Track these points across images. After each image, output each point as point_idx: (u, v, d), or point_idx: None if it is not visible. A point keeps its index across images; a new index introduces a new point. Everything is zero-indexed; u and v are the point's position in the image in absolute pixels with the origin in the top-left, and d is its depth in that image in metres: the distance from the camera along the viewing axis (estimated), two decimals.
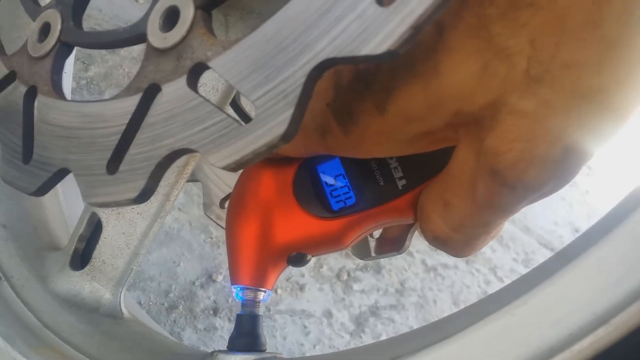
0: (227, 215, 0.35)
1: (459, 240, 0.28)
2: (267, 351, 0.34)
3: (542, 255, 1.02)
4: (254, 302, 0.34)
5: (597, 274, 0.21)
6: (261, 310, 0.34)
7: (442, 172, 0.28)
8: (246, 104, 0.48)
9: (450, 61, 0.24)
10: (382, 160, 0.32)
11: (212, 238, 0.72)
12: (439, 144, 0.27)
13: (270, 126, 0.24)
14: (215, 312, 0.65)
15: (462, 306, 0.86)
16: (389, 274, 0.80)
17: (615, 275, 0.21)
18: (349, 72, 0.28)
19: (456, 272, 0.87)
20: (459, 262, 0.89)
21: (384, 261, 0.81)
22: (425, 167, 0.31)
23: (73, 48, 0.34)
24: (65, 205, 0.52)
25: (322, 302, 0.72)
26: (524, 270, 0.96)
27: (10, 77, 0.35)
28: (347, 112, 0.28)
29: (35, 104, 0.33)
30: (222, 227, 0.55)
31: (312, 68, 0.23)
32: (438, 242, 0.28)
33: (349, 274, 0.77)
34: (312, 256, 0.34)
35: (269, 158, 0.34)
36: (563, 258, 0.23)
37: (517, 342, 0.21)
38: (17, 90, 0.34)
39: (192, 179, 0.54)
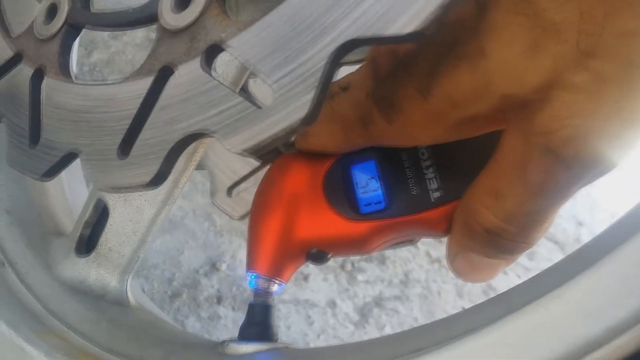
0: (253, 202, 0.34)
1: (512, 232, 0.27)
2: (279, 341, 0.33)
3: (545, 248, 1.01)
4: (267, 292, 0.33)
5: (637, 265, 0.21)
6: (274, 301, 0.34)
7: (488, 164, 0.27)
8: (256, 91, 0.47)
9: (497, 41, 0.23)
10: (419, 168, 0.32)
11: (215, 226, 0.72)
12: (485, 128, 0.26)
13: (290, 110, 0.23)
14: (219, 300, 0.64)
15: (466, 299, 0.86)
16: (393, 265, 0.79)
17: None
18: (387, 61, 0.27)
19: None
20: None
21: (388, 252, 0.81)
22: (463, 182, 0.30)
23: (81, 29, 0.34)
24: (69, 191, 0.51)
25: (326, 292, 0.72)
26: (528, 263, 0.95)
27: (16, 59, 0.35)
28: (389, 100, 0.27)
29: (43, 86, 0.32)
30: (229, 215, 0.54)
31: (335, 49, 0.22)
32: (490, 235, 0.27)
33: (353, 265, 0.77)
34: (333, 256, 0.34)
35: (304, 151, 0.34)
36: (600, 248, 0.23)
37: (552, 337, 0.20)
38: (23, 72, 0.33)
39: (199, 166, 0.53)
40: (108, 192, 0.34)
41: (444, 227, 0.32)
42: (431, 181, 0.32)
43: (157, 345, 0.34)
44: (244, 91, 0.29)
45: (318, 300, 0.70)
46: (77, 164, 0.56)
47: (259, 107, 0.24)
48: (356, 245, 0.33)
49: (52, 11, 0.34)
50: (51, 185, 0.49)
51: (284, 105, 0.23)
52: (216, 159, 0.52)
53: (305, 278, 0.72)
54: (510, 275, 0.91)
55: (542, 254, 0.98)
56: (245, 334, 0.33)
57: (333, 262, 0.76)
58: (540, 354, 0.20)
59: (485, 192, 0.27)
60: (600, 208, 1.25)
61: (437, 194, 0.31)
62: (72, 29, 0.33)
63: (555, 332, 0.20)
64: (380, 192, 0.32)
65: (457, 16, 0.24)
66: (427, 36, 0.21)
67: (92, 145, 0.29)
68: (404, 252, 0.82)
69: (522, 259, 0.98)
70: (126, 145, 0.27)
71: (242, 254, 0.70)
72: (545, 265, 0.33)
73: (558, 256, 1.03)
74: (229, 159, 0.52)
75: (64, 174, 0.51)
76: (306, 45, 0.23)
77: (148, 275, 0.63)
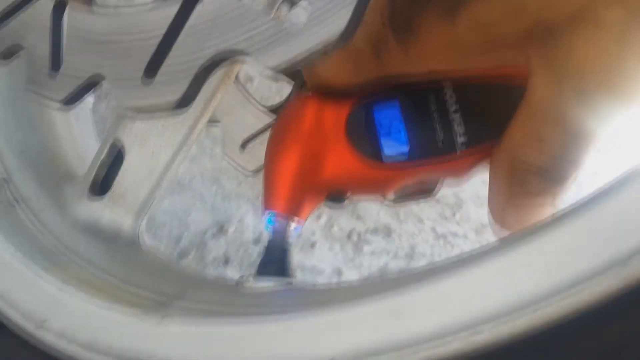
0: (270, 140, 0.34)
1: (564, 164, 0.27)
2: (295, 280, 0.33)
3: None
4: (285, 231, 0.33)
5: None
6: (291, 241, 0.33)
7: (521, 110, 0.27)
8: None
9: None
10: (446, 113, 0.31)
11: (223, 191, 0.71)
12: (503, 60, 0.26)
13: (328, 23, 0.22)
14: (226, 262, 0.64)
15: None
16: (399, 238, 0.79)
17: None
18: None
19: (465, 241, 0.86)
20: (469, 231, 0.88)
21: (394, 226, 0.80)
22: (487, 127, 0.30)
23: None
24: (80, 140, 0.50)
25: (332, 260, 0.71)
26: None
27: None
28: (407, 26, 0.26)
29: (66, 13, 0.32)
30: (242, 169, 0.54)
31: None
32: (544, 170, 0.27)
33: (359, 236, 0.76)
34: (351, 196, 0.33)
35: (315, 89, 0.33)
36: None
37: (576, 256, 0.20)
38: (45, 3, 0.33)
39: (213, 119, 0.53)
40: (133, 115, 0.33)
41: (466, 172, 0.32)
42: (458, 126, 0.31)
43: (174, 281, 0.34)
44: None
45: (324, 268, 0.70)
46: (87, 115, 0.56)
47: (293, 24, 0.23)
48: (377, 187, 0.33)
49: None
50: (62, 132, 0.48)
51: (321, 19, 0.23)
52: (231, 113, 0.52)
53: (312, 245, 0.72)
54: None
55: None
56: (263, 271, 0.33)
57: (339, 232, 0.75)
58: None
59: (528, 138, 0.27)
60: None
61: (462, 139, 0.31)
62: None
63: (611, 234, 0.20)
64: (404, 136, 0.32)
65: None
66: None
67: (118, 67, 0.28)
68: (410, 226, 0.82)
69: None
70: (153, 67, 0.27)
71: (250, 219, 0.70)
72: None
73: None
74: (243, 113, 0.52)
75: (75, 124, 0.51)
76: None
77: (156, 234, 0.63)
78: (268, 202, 0.32)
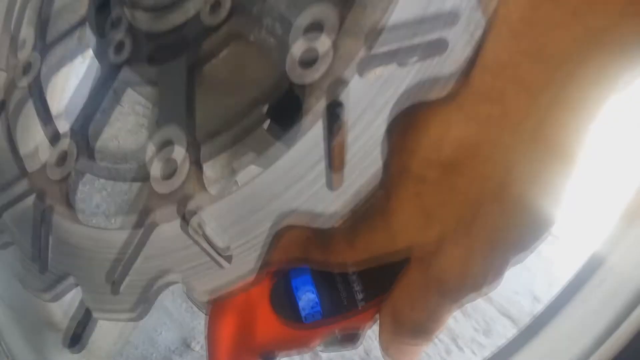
0: (209, 318, 0.41)
1: (433, 325, 0.34)
2: None
3: (501, 325, 1.07)
4: None
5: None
6: None
7: (401, 281, 0.34)
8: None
9: (398, 219, 0.32)
10: (348, 281, 0.39)
11: (192, 307, 0.77)
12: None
13: (242, 264, 0.31)
14: None
15: None
16: None
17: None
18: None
19: None
20: None
21: None
22: (380, 287, 0.38)
23: (85, 174, 0.41)
24: None
25: None
26: (484, 340, 1.01)
27: (30, 192, 0.42)
28: (326, 244, 0.34)
29: (51, 222, 0.39)
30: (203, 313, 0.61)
31: (276, 231, 0.31)
32: (418, 326, 0.35)
33: None
34: (281, 356, 0.40)
35: None
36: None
37: None
38: (36, 206, 0.41)
39: None
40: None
41: (368, 323, 0.39)
42: (358, 292, 0.39)
43: None
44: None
45: None
46: None
47: (221, 265, 0.32)
48: (302, 346, 0.39)
49: (62, 157, 0.41)
50: None
51: (239, 263, 0.31)
52: None
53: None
54: (466, 352, 0.97)
55: (497, 331, 1.04)
56: None
57: None
58: None
59: (404, 302, 0.35)
60: (559, 284, 1.31)
61: (361, 296, 0.38)
62: (79, 174, 0.41)
63: None
64: (316, 299, 0.39)
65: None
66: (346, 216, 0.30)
67: (85, 277, 0.36)
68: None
69: (479, 336, 1.04)
70: (117, 284, 0.35)
71: None
72: (500, 341, 0.40)
73: (513, 332, 1.08)
74: None
75: None
76: (257, 223, 0.31)
77: (128, 355, 0.69)
78: None
